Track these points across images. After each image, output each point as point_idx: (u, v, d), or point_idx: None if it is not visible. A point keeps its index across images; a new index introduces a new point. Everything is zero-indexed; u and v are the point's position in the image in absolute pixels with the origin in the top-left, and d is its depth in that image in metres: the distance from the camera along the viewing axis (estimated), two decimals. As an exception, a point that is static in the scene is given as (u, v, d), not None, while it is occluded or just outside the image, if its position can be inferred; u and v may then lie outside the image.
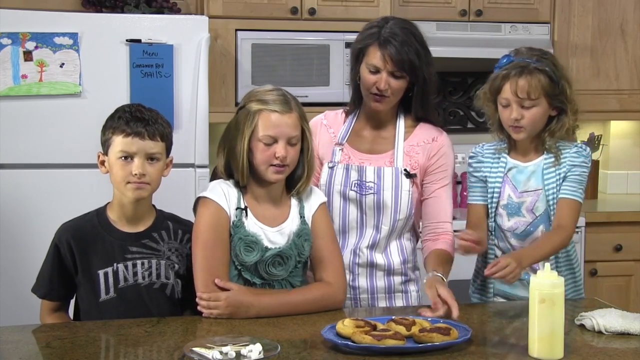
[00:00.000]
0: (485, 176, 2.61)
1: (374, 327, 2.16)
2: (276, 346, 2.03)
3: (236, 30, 3.94)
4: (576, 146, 2.60)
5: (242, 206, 2.39)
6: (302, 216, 2.46)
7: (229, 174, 2.43)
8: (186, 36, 3.54)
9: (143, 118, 2.36)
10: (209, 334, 2.19)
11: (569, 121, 2.55)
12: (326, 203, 2.56)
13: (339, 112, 2.77)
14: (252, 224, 2.39)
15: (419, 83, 2.59)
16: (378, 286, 2.63)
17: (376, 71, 2.55)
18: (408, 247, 2.68)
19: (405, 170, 2.60)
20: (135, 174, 2.33)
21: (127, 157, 2.34)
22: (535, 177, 2.57)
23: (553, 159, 2.56)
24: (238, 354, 1.97)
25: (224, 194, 2.39)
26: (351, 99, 2.74)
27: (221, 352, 1.96)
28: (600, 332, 2.21)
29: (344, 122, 2.72)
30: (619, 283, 4.11)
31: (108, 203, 2.46)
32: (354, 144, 2.68)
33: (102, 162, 2.41)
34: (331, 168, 2.64)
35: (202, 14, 3.89)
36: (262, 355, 1.97)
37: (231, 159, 2.40)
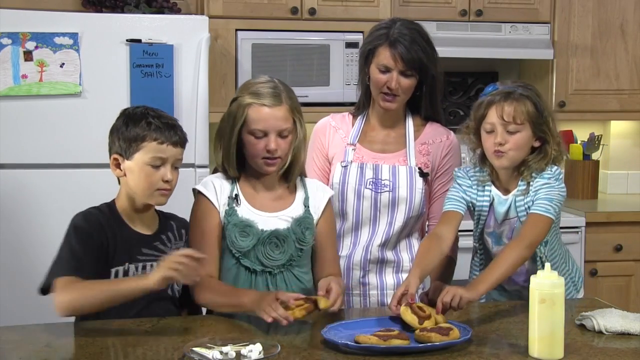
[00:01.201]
0: (472, 202, 2.60)
1: (315, 302, 2.22)
2: (276, 346, 2.03)
3: (236, 30, 3.94)
4: (541, 175, 2.51)
5: (233, 195, 2.42)
6: (306, 206, 2.48)
7: (224, 168, 2.45)
8: (186, 36, 3.55)
9: (174, 125, 2.37)
10: (209, 334, 2.19)
11: (551, 152, 2.51)
12: (332, 197, 2.60)
13: (345, 115, 2.81)
14: (245, 211, 2.41)
15: (427, 82, 2.65)
16: (387, 283, 2.69)
17: (386, 71, 2.60)
18: (416, 245, 2.73)
19: (419, 169, 2.67)
20: (167, 181, 2.33)
21: (159, 164, 2.33)
22: (511, 207, 2.56)
23: (524, 187, 2.52)
24: (238, 354, 1.98)
25: (214, 188, 2.42)
26: (359, 101, 2.78)
27: (221, 352, 1.97)
28: (600, 332, 2.22)
29: (353, 124, 2.76)
30: (619, 283, 4.11)
31: (114, 200, 2.42)
32: (365, 144, 2.72)
33: (118, 165, 2.36)
34: (345, 167, 2.68)
35: (202, 14, 3.89)
36: (262, 355, 1.98)
37: (225, 151, 2.42)
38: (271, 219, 2.42)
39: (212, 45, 3.69)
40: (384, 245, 2.67)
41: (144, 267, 2.37)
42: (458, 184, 2.60)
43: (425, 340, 2.07)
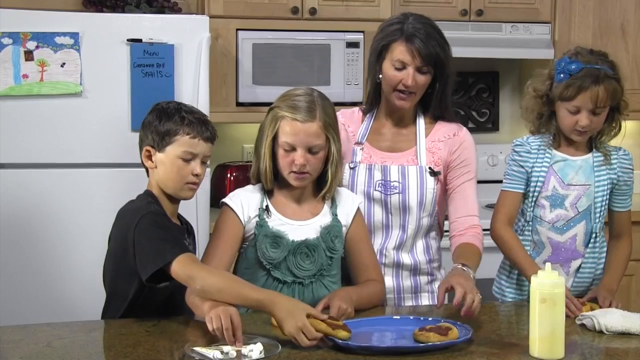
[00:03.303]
0: (531, 166, 2.60)
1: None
2: (277, 345, 2.03)
3: (237, 30, 3.94)
4: (621, 149, 2.67)
5: (264, 206, 2.42)
6: (334, 214, 2.46)
7: (257, 178, 2.45)
8: (187, 36, 3.54)
9: (206, 121, 2.40)
10: (210, 333, 2.19)
11: (620, 120, 2.61)
12: (362, 204, 2.55)
13: (355, 110, 2.73)
14: (276, 222, 2.41)
15: (442, 79, 2.57)
16: (404, 286, 2.61)
17: (402, 67, 2.51)
18: (433, 246, 2.65)
19: (429, 168, 2.58)
20: (197, 175, 2.37)
21: (190, 158, 2.36)
22: (584, 172, 2.59)
23: (603, 158, 2.60)
24: (239, 353, 1.98)
25: (241, 201, 2.42)
26: (368, 98, 2.69)
27: (222, 352, 1.97)
28: (601, 332, 2.22)
29: (362, 121, 2.69)
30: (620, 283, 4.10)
31: (151, 192, 2.41)
32: (374, 142, 2.64)
33: (150, 157, 2.40)
34: (352, 169, 2.60)
35: (202, 13, 3.89)
36: (262, 355, 1.98)
37: (258, 161, 2.43)
38: (301, 228, 2.41)
39: (212, 45, 3.69)
40: (398, 248, 2.59)
41: None
42: (516, 152, 2.62)
43: (424, 340, 2.07)
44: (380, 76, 2.58)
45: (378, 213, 2.59)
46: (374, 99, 2.67)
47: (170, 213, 2.40)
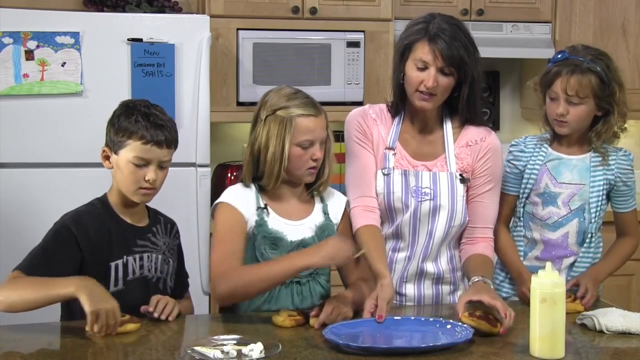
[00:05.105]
0: (524, 164, 2.62)
1: (306, 317, 2.23)
2: (277, 345, 2.03)
3: (237, 29, 3.94)
4: (622, 150, 2.67)
5: (262, 205, 2.39)
6: (325, 213, 2.46)
7: (253, 178, 2.42)
8: (187, 35, 3.55)
9: (161, 125, 2.34)
10: (210, 333, 2.19)
11: (615, 123, 2.60)
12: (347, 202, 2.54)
13: (384, 108, 2.60)
14: (274, 221, 2.39)
15: (467, 82, 2.47)
16: (425, 295, 2.57)
17: (424, 67, 2.42)
18: (457, 256, 2.59)
19: (460, 175, 2.52)
20: (148, 180, 2.32)
21: (142, 163, 2.32)
22: (579, 172, 2.60)
23: (600, 159, 2.62)
24: (239, 353, 1.98)
25: (239, 198, 2.39)
26: (394, 101, 2.57)
27: (222, 351, 1.97)
28: (601, 332, 2.21)
29: (392, 123, 2.58)
30: (620, 283, 4.10)
31: (106, 194, 2.42)
32: (403, 148, 2.55)
33: (107, 158, 2.38)
34: (387, 175, 2.53)
35: (203, 13, 3.89)
36: (263, 355, 1.97)
37: (268, 166, 2.36)
38: (298, 228, 2.40)
39: (213, 45, 3.69)
40: (424, 256, 2.53)
41: (141, 258, 2.38)
42: (510, 152, 2.66)
43: (475, 325, 2.13)
44: (404, 77, 2.50)
45: (407, 218, 2.52)
46: (400, 103, 2.56)
47: (129, 214, 2.39)
